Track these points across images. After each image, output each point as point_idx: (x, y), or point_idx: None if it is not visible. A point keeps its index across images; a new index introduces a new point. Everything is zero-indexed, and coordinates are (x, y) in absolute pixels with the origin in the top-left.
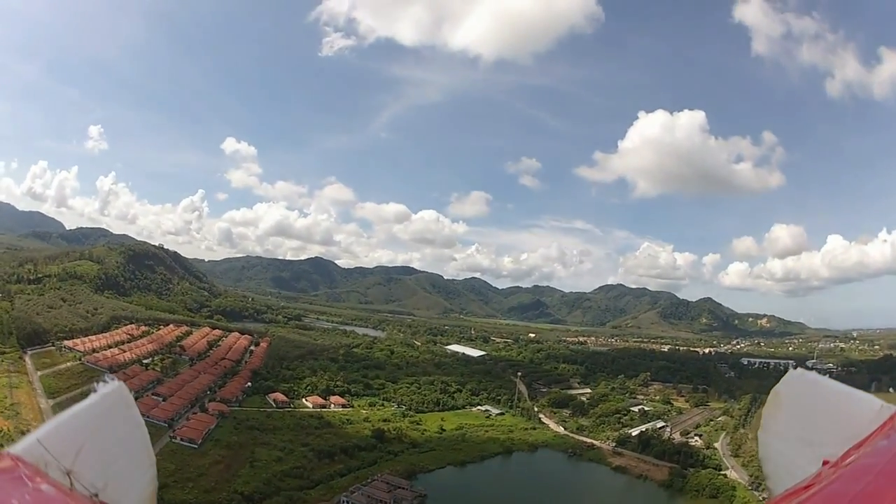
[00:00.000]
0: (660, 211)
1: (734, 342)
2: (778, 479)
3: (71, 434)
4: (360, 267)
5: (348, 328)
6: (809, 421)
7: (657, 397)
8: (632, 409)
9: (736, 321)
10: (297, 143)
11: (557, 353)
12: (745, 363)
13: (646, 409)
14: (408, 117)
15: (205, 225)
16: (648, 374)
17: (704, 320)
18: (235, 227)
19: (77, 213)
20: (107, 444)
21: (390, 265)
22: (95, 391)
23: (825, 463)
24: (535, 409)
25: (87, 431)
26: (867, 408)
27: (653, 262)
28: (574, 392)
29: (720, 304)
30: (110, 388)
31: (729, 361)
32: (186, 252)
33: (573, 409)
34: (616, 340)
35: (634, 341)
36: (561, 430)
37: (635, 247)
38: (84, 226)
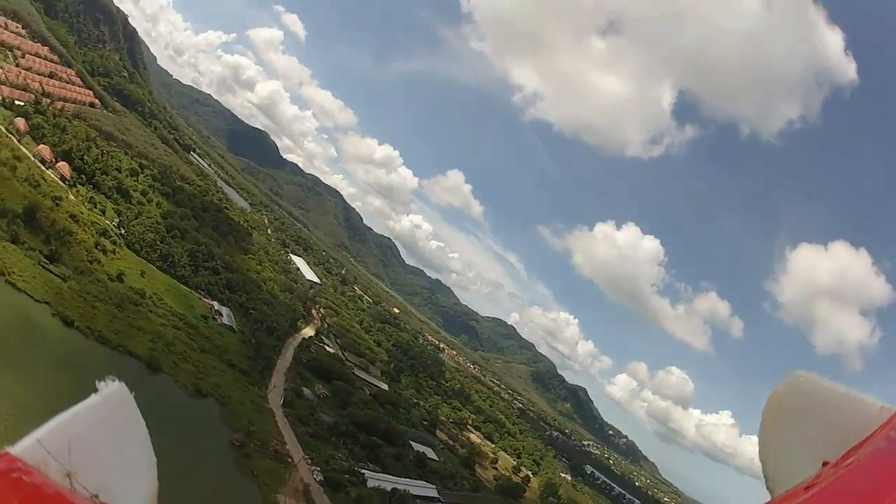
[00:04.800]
0: (587, 292)
1: (587, 442)
2: (778, 479)
3: (71, 434)
4: (294, 164)
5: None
6: (809, 422)
7: (453, 443)
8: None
9: (597, 425)
10: None
11: (400, 340)
12: (589, 472)
13: (430, 455)
14: None
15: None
16: (473, 416)
17: (569, 404)
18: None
19: None
20: (107, 445)
21: (323, 177)
22: (96, 391)
23: (825, 464)
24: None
25: (88, 432)
26: (867, 409)
27: (554, 328)
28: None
29: (592, 401)
30: (111, 389)
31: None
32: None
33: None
34: (475, 368)
35: (491, 379)
36: None
37: (549, 308)
38: None
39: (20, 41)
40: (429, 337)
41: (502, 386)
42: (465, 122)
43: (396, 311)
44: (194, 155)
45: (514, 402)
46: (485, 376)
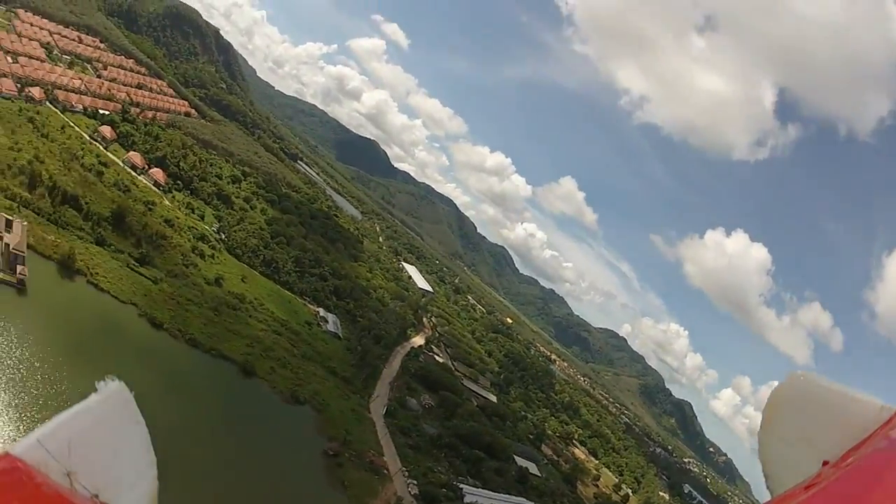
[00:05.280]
0: (696, 302)
1: (687, 459)
2: (778, 479)
3: (71, 434)
4: (406, 173)
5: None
6: (809, 421)
7: (557, 458)
8: (516, 457)
9: (699, 441)
10: None
11: (512, 351)
12: (686, 491)
13: (533, 470)
14: None
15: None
16: (580, 431)
17: (673, 420)
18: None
19: None
20: (107, 445)
21: (436, 186)
22: (96, 391)
23: (825, 463)
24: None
25: (88, 432)
26: (867, 408)
27: (664, 340)
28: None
29: (696, 416)
30: (111, 388)
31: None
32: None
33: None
34: (585, 381)
35: (600, 392)
36: None
37: (660, 319)
38: None
39: (100, 53)
40: (540, 348)
41: (610, 399)
42: (575, 128)
43: (509, 321)
44: (301, 164)
45: (622, 416)
46: (594, 389)
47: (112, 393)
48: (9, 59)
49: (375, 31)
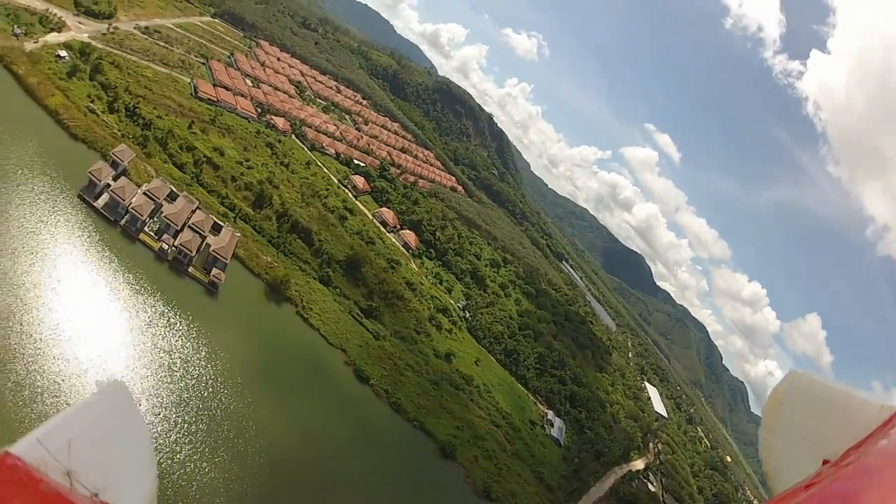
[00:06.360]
0: None
1: None
2: (778, 477)
3: (71, 433)
4: (666, 292)
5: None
6: (810, 420)
7: None
8: None
9: None
10: None
11: (722, 491)
12: None
13: None
14: None
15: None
16: None
17: None
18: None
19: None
20: (107, 444)
21: (692, 310)
22: (96, 390)
23: (825, 462)
24: None
25: (88, 431)
26: (867, 407)
27: None
28: None
29: None
30: (111, 387)
31: None
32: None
33: None
34: None
35: None
36: None
37: None
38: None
39: (360, 108)
40: (748, 492)
41: None
42: (825, 259)
43: (728, 459)
44: (566, 264)
45: None
46: None
47: (112, 392)
48: (248, 81)
49: (648, 141)
